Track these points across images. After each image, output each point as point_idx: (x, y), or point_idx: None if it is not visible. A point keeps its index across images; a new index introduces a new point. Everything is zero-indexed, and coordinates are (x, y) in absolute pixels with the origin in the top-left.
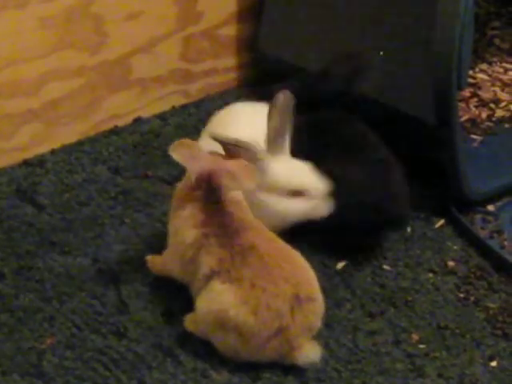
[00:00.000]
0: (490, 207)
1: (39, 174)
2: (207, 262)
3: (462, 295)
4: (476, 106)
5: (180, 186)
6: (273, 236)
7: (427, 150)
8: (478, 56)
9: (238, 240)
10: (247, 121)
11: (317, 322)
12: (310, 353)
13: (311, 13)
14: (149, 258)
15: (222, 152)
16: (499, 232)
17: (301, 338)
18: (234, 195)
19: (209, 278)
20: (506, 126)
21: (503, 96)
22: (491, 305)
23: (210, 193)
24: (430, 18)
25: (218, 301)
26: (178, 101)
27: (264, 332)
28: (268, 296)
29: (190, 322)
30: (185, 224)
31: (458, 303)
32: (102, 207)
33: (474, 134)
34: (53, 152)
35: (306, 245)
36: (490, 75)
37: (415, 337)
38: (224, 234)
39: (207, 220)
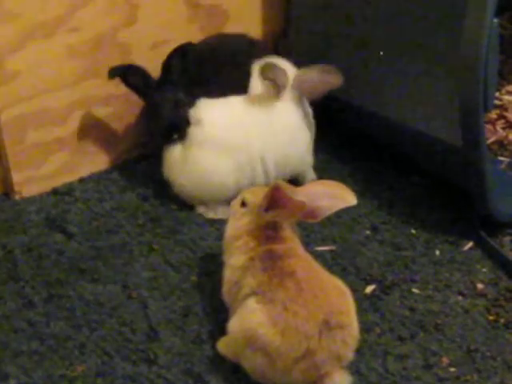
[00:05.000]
0: None
1: (68, 202)
2: (249, 284)
3: (491, 318)
4: (503, 128)
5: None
6: (316, 266)
7: (454, 173)
8: (504, 78)
9: (279, 263)
10: None
11: (346, 351)
12: (338, 382)
13: (339, 27)
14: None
15: None
16: None
17: (329, 366)
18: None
19: (247, 297)
20: None
21: None
22: None
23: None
24: (455, 40)
25: (249, 319)
26: None
27: (291, 353)
28: (298, 320)
29: (222, 344)
30: (237, 250)
31: (488, 326)
32: (131, 234)
33: (501, 155)
34: (81, 180)
35: (335, 270)
36: None
37: (445, 360)
38: (269, 257)
39: (257, 245)
